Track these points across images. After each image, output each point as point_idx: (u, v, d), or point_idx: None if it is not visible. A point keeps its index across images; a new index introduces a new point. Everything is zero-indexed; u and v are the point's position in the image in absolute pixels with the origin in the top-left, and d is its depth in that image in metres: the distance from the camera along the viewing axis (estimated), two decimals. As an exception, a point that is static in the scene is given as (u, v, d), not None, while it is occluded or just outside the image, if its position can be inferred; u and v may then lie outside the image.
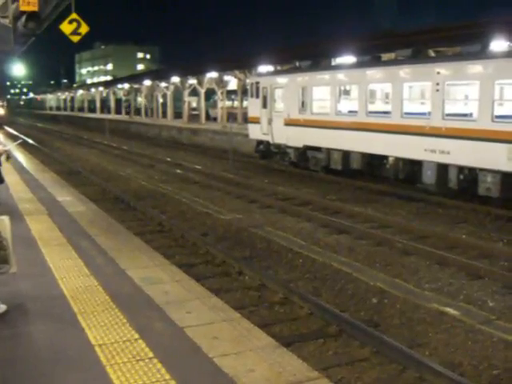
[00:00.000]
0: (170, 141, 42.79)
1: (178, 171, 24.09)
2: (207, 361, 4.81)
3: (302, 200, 17.14)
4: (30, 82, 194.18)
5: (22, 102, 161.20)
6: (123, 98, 74.93)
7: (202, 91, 47.23)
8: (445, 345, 7.13)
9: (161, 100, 60.87)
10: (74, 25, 14.46)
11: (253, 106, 25.84)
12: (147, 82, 58.28)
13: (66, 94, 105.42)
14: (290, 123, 22.87)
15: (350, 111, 20.35)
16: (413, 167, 17.51)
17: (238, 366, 4.71)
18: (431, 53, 21.69)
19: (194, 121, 49.86)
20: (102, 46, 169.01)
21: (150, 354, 4.92)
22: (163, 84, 54.38)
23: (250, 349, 5.07)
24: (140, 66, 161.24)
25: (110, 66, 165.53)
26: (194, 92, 51.71)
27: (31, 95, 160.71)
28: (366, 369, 6.52)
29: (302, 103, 22.24)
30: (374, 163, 19.25)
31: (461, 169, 15.77)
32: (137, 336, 5.33)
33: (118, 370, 4.63)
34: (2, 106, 60.45)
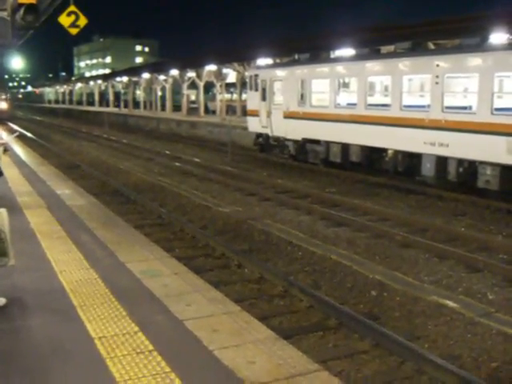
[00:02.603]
0: (169, 134, 42.73)
1: (177, 164, 24.05)
2: (207, 353, 4.80)
3: (301, 193, 17.14)
4: (28, 75, 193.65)
5: (20, 96, 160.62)
6: (122, 91, 74.82)
7: (201, 84, 47.14)
8: (444, 337, 7.14)
9: (160, 93, 60.74)
10: (73, 17, 14.39)
11: (252, 99, 25.80)
12: (146, 75, 58.15)
13: (65, 87, 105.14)
14: (289, 116, 22.84)
15: (349, 104, 20.32)
16: (412, 160, 17.51)
17: (238, 358, 4.71)
18: (431, 45, 21.65)
19: (193, 114, 49.79)
20: (101, 39, 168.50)
21: (150, 347, 4.92)
22: (162, 77, 54.27)
23: (249, 341, 5.07)
24: (139, 59, 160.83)
25: (108, 59, 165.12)
26: (193, 85, 51.60)
27: (29, 88, 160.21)
28: (366, 361, 6.53)
29: (301, 96, 22.21)
30: (373, 156, 19.24)
31: (460, 161, 15.77)
32: (137, 329, 5.33)
33: (118, 363, 4.63)
34: (6, 100, 56.79)
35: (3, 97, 55.26)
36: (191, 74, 47.92)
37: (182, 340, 5.12)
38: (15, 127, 44.59)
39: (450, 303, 8.19)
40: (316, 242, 11.59)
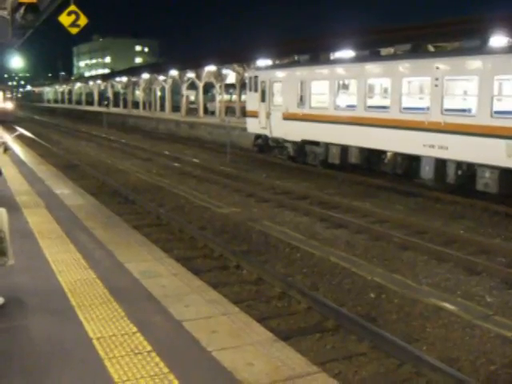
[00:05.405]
0: (168, 134, 42.73)
1: (176, 165, 24.06)
2: (206, 354, 4.80)
3: (300, 194, 17.13)
4: (28, 75, 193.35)
5: (19, 95, 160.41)
6: (121, 91, 74.80)
7: (201, 85, 47.10)
8: (442, 340, 7.14)
9: (159, 93, 60.70)
10: (73, 17, 14.37)
11: (251, 100, 25.79)
12: (145, 76, 58.07)
13: (64, 86, 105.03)
14: (288, 117, 22.84)
15: (349, 106, 20.32)
16: (411, 162, 17.51)
17: (236, 359, 4.70)
18: (430, 48, 21.64)
19: (192, 114, 49.78)
20: (101, 39, 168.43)
21: (149, 348, 4.92)
22: (161, 77, 54.21)
23: (248, 343, 5.06)
24: (138, 59, 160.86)
25: (108, 59, 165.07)
26: (193, 85, 51.57)
27: (29, 88, 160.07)
28: (364, 363, 6.53)
29: (301, 97, 22.21)
30: (372, 158, 19.24)
31: (459, 164, 15.77)
32: (135, 329, 5.32)
33: (117, 364, 4.63)
34: (11, 99, 51.07)
35: (8, 96, 50.85)
36: (191, 74, 47.87)
37: (180, 341, 5.11)
38: (14, 125, 44.55)
39: (449, 306, 8.20)
40: (315, 244, 11.60)
